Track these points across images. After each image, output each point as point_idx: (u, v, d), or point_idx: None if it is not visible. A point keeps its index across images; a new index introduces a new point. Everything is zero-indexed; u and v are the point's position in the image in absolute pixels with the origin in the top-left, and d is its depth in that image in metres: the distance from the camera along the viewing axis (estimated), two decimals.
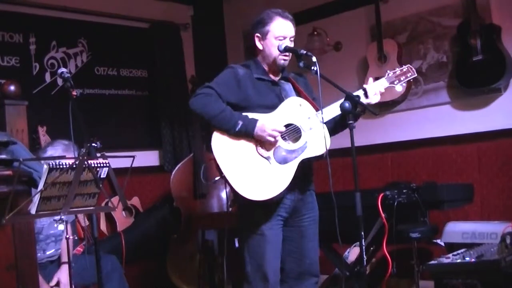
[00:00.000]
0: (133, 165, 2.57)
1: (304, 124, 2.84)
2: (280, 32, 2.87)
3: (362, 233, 2.66)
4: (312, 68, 2.76)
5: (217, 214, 4.66)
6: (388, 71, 2.99)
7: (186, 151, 5.31)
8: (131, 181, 4.24)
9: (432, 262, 3.04)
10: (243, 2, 5.72)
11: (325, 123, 2.81)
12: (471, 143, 4.31)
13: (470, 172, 4.28)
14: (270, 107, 2.87)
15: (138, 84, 5.36)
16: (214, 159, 2.81)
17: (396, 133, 4.73)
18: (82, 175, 2.43)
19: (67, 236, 2.79)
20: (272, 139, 2.75)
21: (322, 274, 3.31)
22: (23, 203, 2.40)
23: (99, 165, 2.47)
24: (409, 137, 4.65)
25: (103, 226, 4.85)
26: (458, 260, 2.96)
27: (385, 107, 4.67)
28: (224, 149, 2.80)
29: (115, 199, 3.16)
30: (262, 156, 2.79)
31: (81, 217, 3.93)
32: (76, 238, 3.52)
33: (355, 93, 2.83)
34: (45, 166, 2.31)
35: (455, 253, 3.12)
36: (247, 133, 2.77)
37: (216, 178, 3.65)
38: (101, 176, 2.51)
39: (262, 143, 2.80)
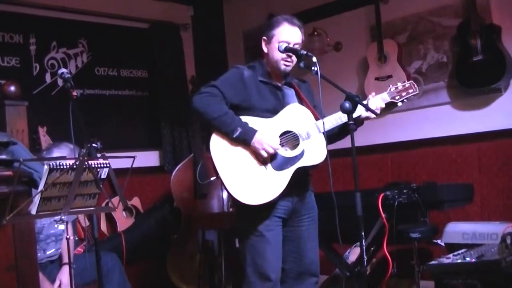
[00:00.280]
0: (133, 166, 2.57)
1: (303, 132, 2.85)
2: (284, 37, 2.87)
3: (363, 233, 2.65)
4: (313, 68, 2.76)
5: (217, 214, 4.66)
6: (390, 86, 2.99)
7: (186, 152, 5.31)
8: (131, 182, 4.24)
9: (433, 262, 3.03)
10: (243, 2, 5.72)
11: (323, 132, 2.82)
12: (471, 143, 4.31)
13: (470, 172, 4.27)
14: (271, 111, 2.88)
15: (138, 85, 5.36)
16: (211, 160, 2.82)
17: (396, 133, 4.72)
18: (83, 176, 2.43)
19: (68, 237, 2.79)
20: (266, 155, 2.77)
21: (322, 274, 3.31)
22: (23, 203, 2.40)
23: (99, 165, 2.48)
24: (409, 137, 4.65)
25: (103, 226, 4.85)
26: (459, 260, 2.95)
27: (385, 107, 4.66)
28: (222, 150, 2.81)
29: (115, 200, 3.16)
30: (259, 161, 2.81)
31: (81, 217, 3.93)
32: (77, 238, 3.53)
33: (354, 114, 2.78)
34: (46, 167, 2.31)
35: (455, 253, 3.12)
36: (245, 141, 2.79)
37: (212, 178, 3.64)
38: (102, 177, 2.51)
39: None
